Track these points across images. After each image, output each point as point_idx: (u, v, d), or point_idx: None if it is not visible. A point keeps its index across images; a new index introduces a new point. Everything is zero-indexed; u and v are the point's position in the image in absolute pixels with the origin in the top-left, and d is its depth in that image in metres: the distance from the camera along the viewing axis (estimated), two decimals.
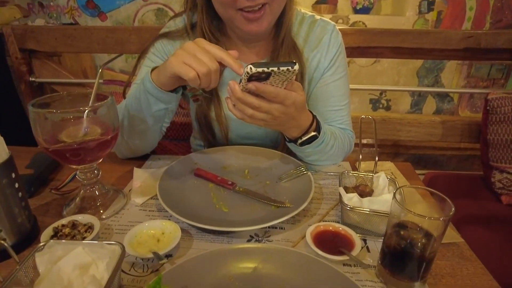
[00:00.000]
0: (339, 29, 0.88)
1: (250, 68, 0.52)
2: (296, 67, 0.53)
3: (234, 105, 0.61)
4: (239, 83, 0.57)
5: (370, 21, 2.44)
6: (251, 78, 0.54)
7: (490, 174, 1.31)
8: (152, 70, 0.71)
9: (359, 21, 2.46)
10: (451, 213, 0.47)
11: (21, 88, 1.64)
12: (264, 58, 0.85)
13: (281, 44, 0.81)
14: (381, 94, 2.66)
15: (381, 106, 2.71)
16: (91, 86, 1.66)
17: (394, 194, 0.49)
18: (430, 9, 2.35)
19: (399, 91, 2.61)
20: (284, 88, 0.59)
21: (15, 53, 1.56)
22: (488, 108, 1.27)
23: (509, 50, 1.33)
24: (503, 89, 2.46)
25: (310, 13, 0.87)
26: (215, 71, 0.62)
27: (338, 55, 0.85)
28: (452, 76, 2.53)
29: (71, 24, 2.66)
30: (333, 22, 0.86)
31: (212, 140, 0.92)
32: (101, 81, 1.37)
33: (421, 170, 2.06)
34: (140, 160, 0.88)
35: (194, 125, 0.97)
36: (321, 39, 0.85)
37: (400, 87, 2.49)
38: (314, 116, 0.73)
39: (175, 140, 1.34)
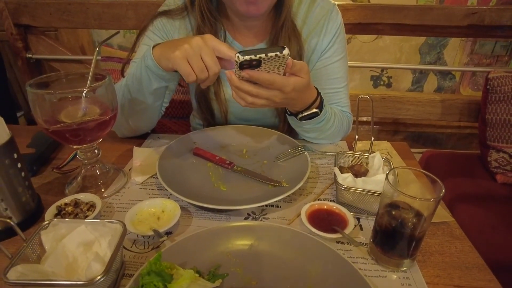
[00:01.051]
0: (340, 4, 0.86)
1: (238, 56, 0.53)
2: (285, 51, 0.53)
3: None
4: (235, 72, 0.57)
5: None
6: (243, 66, 0.54)
7: (486, 153, 1.33)
8: (154, 46, 0.70)
9: None
10: (441, 194, 0.49)
11: (18, 64, 1.62)
12: (263, 40, 0.84)
13: (281, 27, 0.79)
14: (382, 71, 2.63)
15: (382, 83, 2.68)
16: (88, 62, 1.64)
17: (387, 175, 0.50)
18: None
19: (400, 69, 2.57)
20: (283, 72, 0.59)
21: (10, 28, 1.53)
22: (488, 87, 1.27)
23: None
24: (507, 66, 2.43)
25: None
26: (215, 75, 0.62)
27: (337, 37, 0.84)
28: (455, 53, 2.49)
29: None
30: (333, 2, 0.84)
31: (211, 120, 0.92)
32: (98, 57, 1.36)
33: (420, 147, 2.08)
34: (140, 139, 0.89)
35: (193, 104, 0.98)
36: (320, 20, 0.83)
37: (401, 64, 2.46)
38: (318, 93, 0.73)
39: (174, 118, 1.34)
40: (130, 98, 0.76)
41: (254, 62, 0.54)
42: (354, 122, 0.91)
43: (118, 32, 0.78)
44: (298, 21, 0.83)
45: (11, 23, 1.51)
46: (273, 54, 0.52)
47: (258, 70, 0.56)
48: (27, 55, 1.59)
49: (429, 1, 2.34)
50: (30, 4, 1.48)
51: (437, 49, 2.49)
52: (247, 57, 0.52)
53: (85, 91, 0.58)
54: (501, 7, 1.30)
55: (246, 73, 0.56)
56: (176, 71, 0.71)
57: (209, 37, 0.61)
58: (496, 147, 1.30)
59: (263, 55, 0.52)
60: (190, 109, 1.27)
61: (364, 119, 1.70)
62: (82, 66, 1.65)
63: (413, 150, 0.87)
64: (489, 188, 1.28)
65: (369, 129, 0.77)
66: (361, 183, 0.61)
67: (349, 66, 0.94)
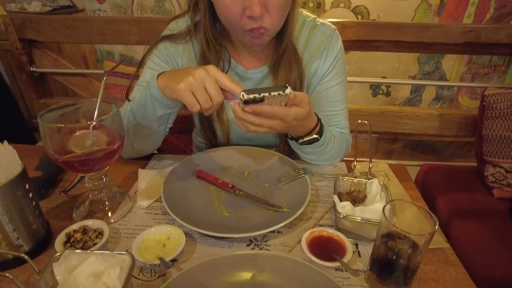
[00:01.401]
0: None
1: (243, 95, 0.56)
2: (288, 91, 0.55)
3: None
4: (239, 104, 0.60)
5: (372, 4, 2.41)
6: (247, 101, 0.57)
7: (483, 167, 1.35)
8: (158, 75, 0.72)
9: (361, 5, 2.42)
10: (436, 228, 0.51)
11: (22, 78, 1.65)
12: (265, 63, 0.87)
13: (282, 53, 0.82)
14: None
15: (381, 92, 2.71)
16: (91, 76, 1.67)
17: (384, 208, 0.53)
18: None
19: (399, 78, 2.62)
20: (285, 104, 0.61)
21: (15, 43, 1.56)
22: (484, 103, 1.29)
23: (509, 44, 1.33)
24: (504, 76, 2.47)
25: (312, 16, 0.87)
26: (218, 104, 0.64)
27: (337, 61, 0.86)
28: (453, 62, 2.52)
29: (69, 6, 2.62)
30: (334, 26, 0.87)
31: (214, 140, 0.95)
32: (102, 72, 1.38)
33: (418, 155, 2.10)
34: (144, 160, 0.91)
35: (196, 124, 1.00)
36: (321, 45, 0.86)
37: (400, 80, 2.53)
38: (318, 120, 0.76)
39: (177, 132, 1.37)
40: (135, 123, 0.79)
41: (258, 99, 0.57)
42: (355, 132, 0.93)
43: (124, 60, 0.80)
44: (299, 45, 0.86)
45: (16, 38, 1.54)
46: (276, 93, 0.55)
47: (261, 104, 0.59)
48: (31, 69, 1.62)
49: (426, 12, 2.37)
50: (35, 19, 1.51)
51: (436, 59, 2.52)
52: (251, 96, 0.56)
53: (92, 125, 0.60)
54: (496, 25, 1.32)
55: (250, 107, 0.59)
56: None
57: (212, 68, 0.64)
58: (492, 162, 1.32)
59: (266, 94, 0.55)
60: (192, 124, 1.29)
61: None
62: (84, 79, 1.67)
63: (411, 162, 0.89)
64: (486, 202, 1.31)
65: (368, 137, 0.79)
66: (359, 212, 0.63)
67: (349, 81, 0.96)
